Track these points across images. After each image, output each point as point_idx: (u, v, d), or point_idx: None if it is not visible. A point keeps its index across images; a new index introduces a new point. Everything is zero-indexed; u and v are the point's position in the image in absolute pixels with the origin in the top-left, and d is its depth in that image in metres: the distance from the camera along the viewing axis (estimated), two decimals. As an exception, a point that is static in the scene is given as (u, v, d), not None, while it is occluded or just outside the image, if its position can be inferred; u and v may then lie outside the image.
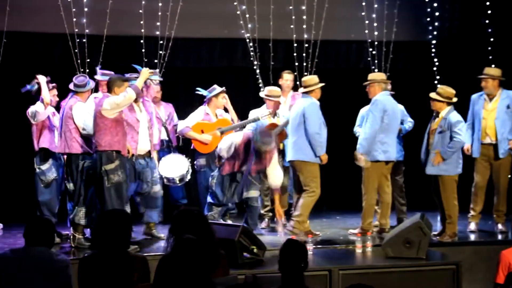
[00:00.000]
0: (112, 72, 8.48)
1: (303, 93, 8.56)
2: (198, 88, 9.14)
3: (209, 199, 8.51)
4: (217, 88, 8.98)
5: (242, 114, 9.38)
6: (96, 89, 8.59)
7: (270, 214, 9.13)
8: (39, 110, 7.95)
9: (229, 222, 8.49)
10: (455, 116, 8.29)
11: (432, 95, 8.36)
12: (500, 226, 8.86)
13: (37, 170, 8.13)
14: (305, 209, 8.37)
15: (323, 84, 8.54)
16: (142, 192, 8.10)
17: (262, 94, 9.23)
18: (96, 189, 7.57)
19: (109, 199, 7.42)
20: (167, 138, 9.16)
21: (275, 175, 8.25)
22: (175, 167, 8.77)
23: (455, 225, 8.37)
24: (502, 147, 8.72)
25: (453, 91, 8.34)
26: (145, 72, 7.82)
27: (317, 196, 8.42)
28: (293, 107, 8.70)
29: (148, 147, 8.07)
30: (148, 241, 8.16)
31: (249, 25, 10.04)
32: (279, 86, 9.49)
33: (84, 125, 7.80)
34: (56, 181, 8.15)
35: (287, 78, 9.50)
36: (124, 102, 7.48)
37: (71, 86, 8.02)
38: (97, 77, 8.62)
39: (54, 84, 8.24)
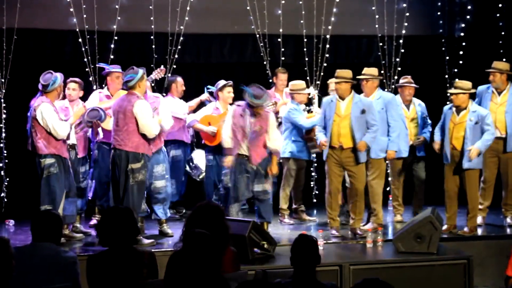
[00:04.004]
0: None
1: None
2: (208, 86, 9.16)
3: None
4: (221, 82, 9.00)
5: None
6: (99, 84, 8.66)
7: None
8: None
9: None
10: (483, 109, 8.40)
11: (454, 90, 8.28)
12: (509, 220, 8.84)
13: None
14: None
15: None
16: (148, 187, 8.12)
17: (286, 89, 9.29)
18: (115, 186, 7.64)
19: (131, 196, 7.55)
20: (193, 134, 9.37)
21: (273, 138, 8.16)
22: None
23: (476, 218, 8.42)
24: (510, 141, 8.71)
25: (470, 82, 8.36)
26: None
27: (328, 191, 8.40)
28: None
29: None
30: (158, 237, 8.18)
31: (259, 21, 10.04)
32: (274, 84, 9.68)
33: (51, 128, 7.59)
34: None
35: (283, 78, 9.61)
36: (146, 127, 7.57)
37: (39, 85, 7.74)
38: (110, 69, 8.61)
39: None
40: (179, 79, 9.34)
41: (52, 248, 4.93)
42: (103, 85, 8.87)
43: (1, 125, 9.48)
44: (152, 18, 9.76)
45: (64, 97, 8.22)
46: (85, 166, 8.38)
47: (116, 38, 9.67)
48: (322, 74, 10.09)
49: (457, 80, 8.64)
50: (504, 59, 9.36)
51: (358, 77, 8.53)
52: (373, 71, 8.69)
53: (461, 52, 10.72)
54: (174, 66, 9.73)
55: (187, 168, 9.20)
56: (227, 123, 8.21)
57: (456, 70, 10.65)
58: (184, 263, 4.18)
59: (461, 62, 10.68)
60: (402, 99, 9.07)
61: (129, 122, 7.56)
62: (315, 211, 9.84)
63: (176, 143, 9.20)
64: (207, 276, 4.14)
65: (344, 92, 8.15)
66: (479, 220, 8.79)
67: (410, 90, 9.05)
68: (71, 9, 9.43)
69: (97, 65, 9.05)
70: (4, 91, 9.36)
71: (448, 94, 8.79)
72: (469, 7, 10.76)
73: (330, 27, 10.22)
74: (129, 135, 7.56)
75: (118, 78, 8.54)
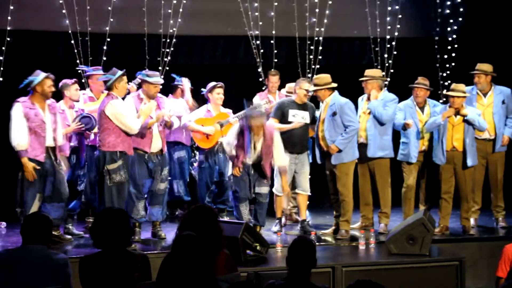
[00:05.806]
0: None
1: None
2: (202, 89, 9.16)
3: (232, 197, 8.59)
4: (211, 84, 8.99)
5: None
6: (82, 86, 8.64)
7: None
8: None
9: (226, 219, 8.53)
10: (472, 107, 8.53)
11: (458, 94, 8.26)
12: (500, 222, 8.88)
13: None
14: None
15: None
16: (150, 189, 8.12)
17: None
18: (98, 187, 7.62)
19: (109, 198, 7.50)
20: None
21: (279, 156, 8.23)
22: None
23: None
24: (499, 142, 8.78)
25: (464, 85, 8.45)
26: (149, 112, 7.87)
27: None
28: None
29: (159, 144, 8.06)
30: (153, 239, 8.15)
31: (252, 23, 10.05)
32: (266, 86, 9.65)
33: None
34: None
35: (274, 80, 9.53)
36: (125, 126, 7.55)
37: None
38: (91, 71, 8.61)
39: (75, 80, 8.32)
40: None
41: (42, 250, 4.92)
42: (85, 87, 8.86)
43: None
44: (144, 20, 9.76)
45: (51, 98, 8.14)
46: (83, 169, 8.36)
47: (108, 40, 9.66)
48: (315, 76, 10.08)
49: (454, 84, 8.53)
50: (497, 61, 9.38)
51: (360, 79, 8.58)
52: (374, 72, 8.69)
53: (453, 54, 10.75)
54: (167, 68, 9.71)
55: (191, 169, 9.21)
56: (230, 131, 8.33)
57: (448, 72, 10.68)
58: (173, 266, 4.18)
59: (453, 64, 10.71)
60: (415, 101, 8.82)
61: (104, 122, 7.56)
62: (307, 213, 9.82)
63: (179, 145, 9.23)
64: (198, 279, 4.13)
65: (322, 96, 8.38)
66: (472, 222, 8.82)
67: (418, 92, 8.65)
68: (64, 11, 9.41)
69: (76, 68, 9.04)
70: (-4, 92, 9.33)
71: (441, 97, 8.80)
72: (461, 9, 10.79)
73: (323, 29, 10.24)
74: (105, 135, 7.55)
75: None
